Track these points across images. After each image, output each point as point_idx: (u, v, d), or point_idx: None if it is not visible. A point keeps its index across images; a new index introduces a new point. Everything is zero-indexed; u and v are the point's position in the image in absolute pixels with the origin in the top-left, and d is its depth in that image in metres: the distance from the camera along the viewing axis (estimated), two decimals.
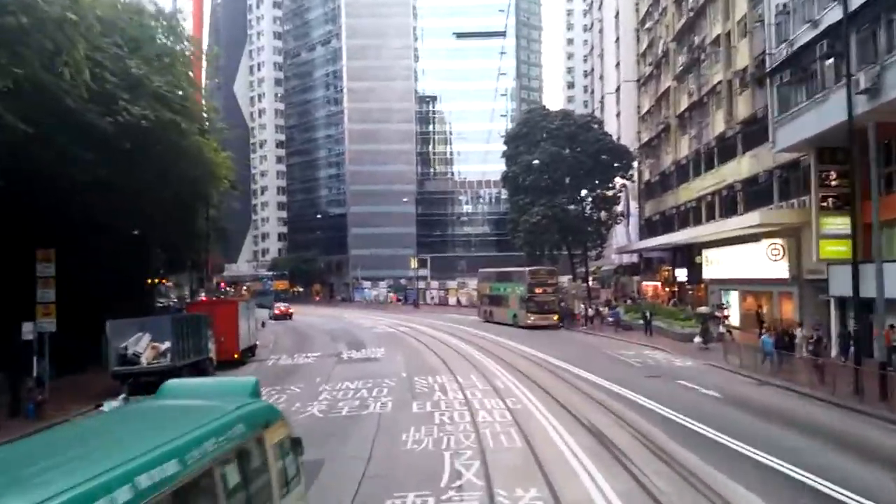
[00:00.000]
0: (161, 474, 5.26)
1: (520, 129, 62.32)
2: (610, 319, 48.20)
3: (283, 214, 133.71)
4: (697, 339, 35.40)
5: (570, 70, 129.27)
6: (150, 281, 55.98)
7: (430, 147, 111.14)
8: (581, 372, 27.45)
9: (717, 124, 45.66)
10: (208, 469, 5.99)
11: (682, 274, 53.17)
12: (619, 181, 62.30)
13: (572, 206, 60.82)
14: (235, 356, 32.04)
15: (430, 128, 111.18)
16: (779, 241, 35.05)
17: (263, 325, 43.41)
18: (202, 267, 68.18)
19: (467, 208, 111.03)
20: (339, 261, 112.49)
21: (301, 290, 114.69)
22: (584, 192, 60.89)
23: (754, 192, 40.01)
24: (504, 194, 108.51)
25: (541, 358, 32.50)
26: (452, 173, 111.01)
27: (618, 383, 24.05)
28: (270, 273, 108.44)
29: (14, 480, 4.78)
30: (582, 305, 50.51)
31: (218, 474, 6.15)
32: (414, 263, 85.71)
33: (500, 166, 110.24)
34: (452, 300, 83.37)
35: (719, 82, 45.02)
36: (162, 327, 26.09)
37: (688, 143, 52.14)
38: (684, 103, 52.40)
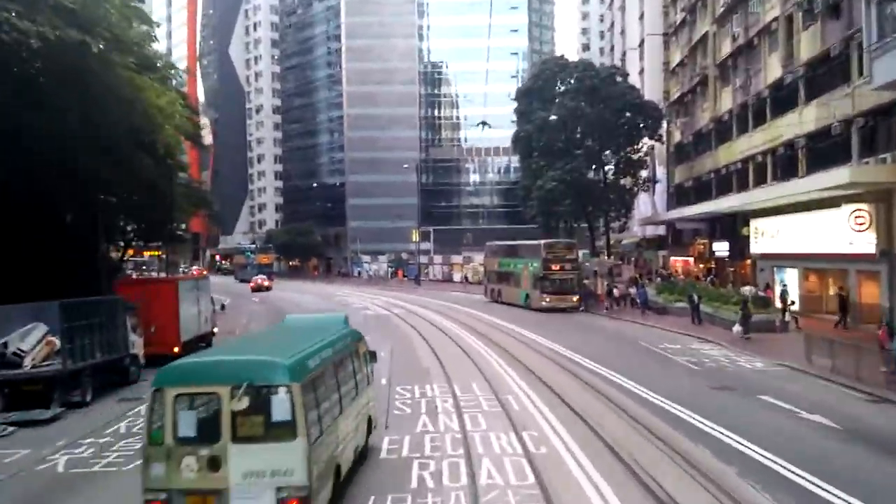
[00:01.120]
0: (333, 349, 11.26)
1: (533, 83, 54.82)
2: (638, 301, 41.27)
3: (281, 184, 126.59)
4: (737, 328, 28.60)
5: (584, 31, 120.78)
6: (111, 254, 49.16)
7: (436, 111, 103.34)
8: (622, 380, 20.42)
9: (772, 69, 38.31)
10: (345, 356, 12.12)
11: (721, 248, 46.13)
12: (646, 143, 54.87)
13: (592, 171, 53.55)
14: (176, 350, 25.24)
15: (436, 90, 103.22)
16: (864, 206, 27.83)
17: (223, 307, 36.34)
18: (177, 237, 61.38)
19: (475, 177, 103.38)
20: (337, 233, 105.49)
21: (297, 264, 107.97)
22: (606, 155, 53.57)
23: (822, 149, 32.63)
24: (515, 162, 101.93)
25: (563, 355, 25.49)
26: (459, 139, 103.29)
27: (678, 401, 17.05)
28: (252, 245, 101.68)
29: (267, 350, 10.21)
30: (606, 285, 43.35)
31: (349, 360, 12.34)
32: (415, 236, 78.53)
33: (509, 132, 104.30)
34: (457, 277, 76.37)
35: (774, 19, 37.62)
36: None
37: (731, 96, 44.99)
38: (727, 49, 45.20)
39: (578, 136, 53.25)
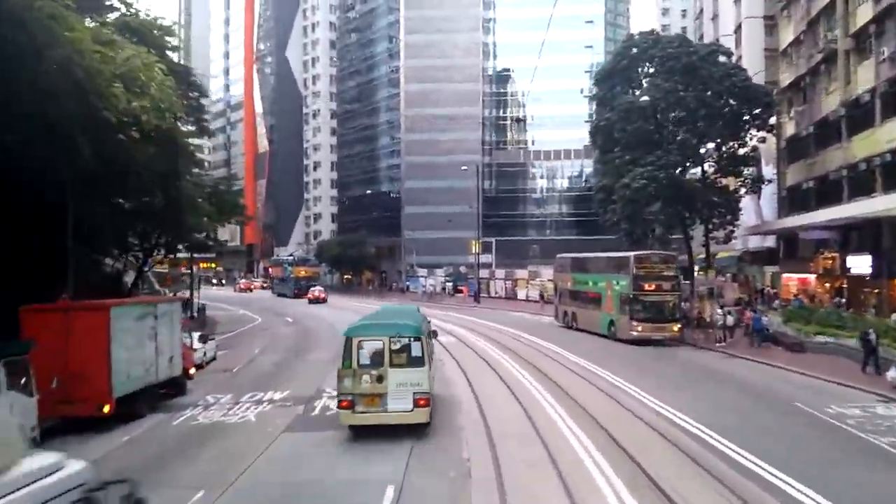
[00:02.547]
0: (424, 323, 18.19)
1: (617, 63, 45.24)
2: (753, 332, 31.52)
3: (336, 193, 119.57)
4: (893, 374, 20.01)
5: (665, 26, 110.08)
6: (109, 262, 42.22)
7: (500, 111, 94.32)
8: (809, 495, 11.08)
9: None
10: (428, 328, 18.54)
11: (860, 263, 36.03)
12: (752, 136, 44.75)
13: (688, 169, 43.83)
14: (106, 409, 17.02)
15: (501, 88, 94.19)
16: None
17: (204, 340, 27.67)
18: (202, 245, 54.12)
19: (541, 183, 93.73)
20: (391, 245, 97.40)
21: (350, 277, 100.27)
22: (705, 149, 43.70)
23: None
24: (588, 166, 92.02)
25: (690, 431, 16.09)
26: (525, 142, 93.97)
27: None
28: (290, 257, 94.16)
29: (382, 323, 17.51)
30: (718, 311, 33.39)
31: (422, 344, 16.29)
32: (475, 247, 69.52)
33: (580, 132, 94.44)
34: (522, 294, 66.92)
35: None
36: None
37: (873, 71, 35.08)
38: (867, 13, 35.36)
39: (671, 125, 43.62)
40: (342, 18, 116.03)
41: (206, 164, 47.39)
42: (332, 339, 32.37)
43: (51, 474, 5.63)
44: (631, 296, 32.65)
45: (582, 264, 40.04)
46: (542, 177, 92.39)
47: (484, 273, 73.13)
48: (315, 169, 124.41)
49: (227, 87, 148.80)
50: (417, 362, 16.01)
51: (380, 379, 15.62)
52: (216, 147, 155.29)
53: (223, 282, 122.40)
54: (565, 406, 18.63)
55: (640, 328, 32.45)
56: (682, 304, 34.62)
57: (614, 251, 41.71)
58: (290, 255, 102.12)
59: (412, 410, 15.67)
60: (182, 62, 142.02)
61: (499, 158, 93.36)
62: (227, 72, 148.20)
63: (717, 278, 43.18)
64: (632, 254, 34.05)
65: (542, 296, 58.01)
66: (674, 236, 47.10)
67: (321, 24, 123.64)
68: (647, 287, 32.65)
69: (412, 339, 16.26)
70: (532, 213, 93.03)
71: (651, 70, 43.87)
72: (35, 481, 5.39)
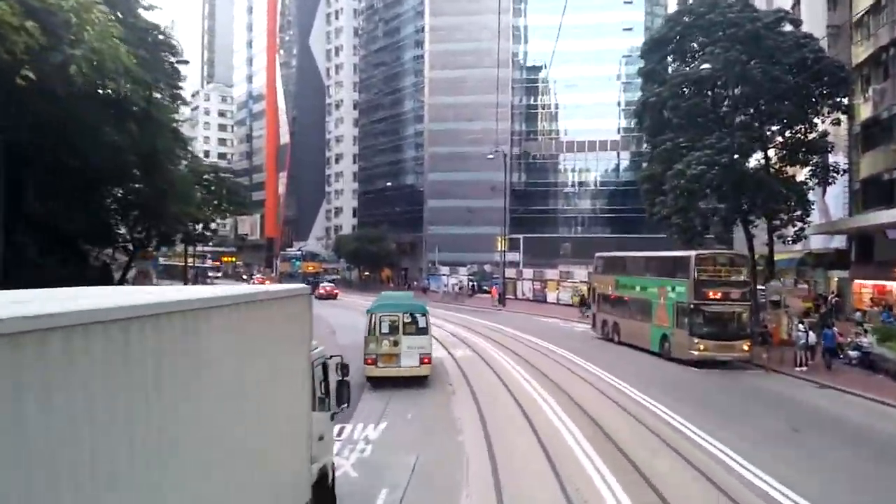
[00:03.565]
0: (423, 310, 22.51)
1: (668, 31, 38.77)
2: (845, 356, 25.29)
3: (358, 186, 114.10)
4: None
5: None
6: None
7: (530, 98, 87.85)
8: None
9: None
10: (426, 315, 22.15)
11: None
12: (825, 117, 38.09)
13: (750, 154, 37.36)
14: None
15: (529, 74, 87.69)
16: None
17: None
18: (194, 237, 48.82)
19: (573, 176, 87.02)
20: (412, 240, 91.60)
21: (368, 274, 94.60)
22: (769, 132, 37.22)
23: None
24: (623, 159, 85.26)
25: None
26: (557, 132, 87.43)
27: None
28: (299, 252, 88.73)
29: (397, 303, 23.27)
30: (800, 326, 26.88)
31: (426, 319, 22.04)
32: (502, 244, 63.30)
33: (616, 123, 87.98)
34: (552, 296, 60.58)
35: None
36: None
37: None
38: None
39: (730, 103, 37.29)
40: (367, 2, 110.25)
41: (191, 143, 41.83)
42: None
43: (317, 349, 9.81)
44: (691, 306, 26.44)
45: (627, 265, 33.71)
46: (573, 170, 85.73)
47: (510, 272, 66.89)
48: (337, 161, 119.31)
49: (249, 79, 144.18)
50: (423, 332, 21.79)
51: (395, 343, 21.08)
52: (239, 139, 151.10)
53: (252, 276, 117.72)
54: (625, 480, 12.57)
55: (701, 346, 26.22)
56: (762, 317, 28.33)
57: (659, 251, 35.46)
58: (299, 249, 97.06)
59: (419, 366, 21.23)
60: (205, 48, 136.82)
61: (528, 149, 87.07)
62: (249, 62, 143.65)
63: (798, 286, 36.69)
64: (692, 253, 27.73)
65: (583, 301, 51.52)
66: (730, 234, 40.67)
67: (345, 12, 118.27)
68: (711, 295, 26.42)
69: (419, 314, 22.14)
70: (563, 209, 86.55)
71: (705, 38, 37.50)
72: (317, 349, 9.68)
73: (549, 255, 75.19)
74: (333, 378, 10.46)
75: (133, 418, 4.26)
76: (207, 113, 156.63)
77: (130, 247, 46.25)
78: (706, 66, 31.96)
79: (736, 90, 36.27)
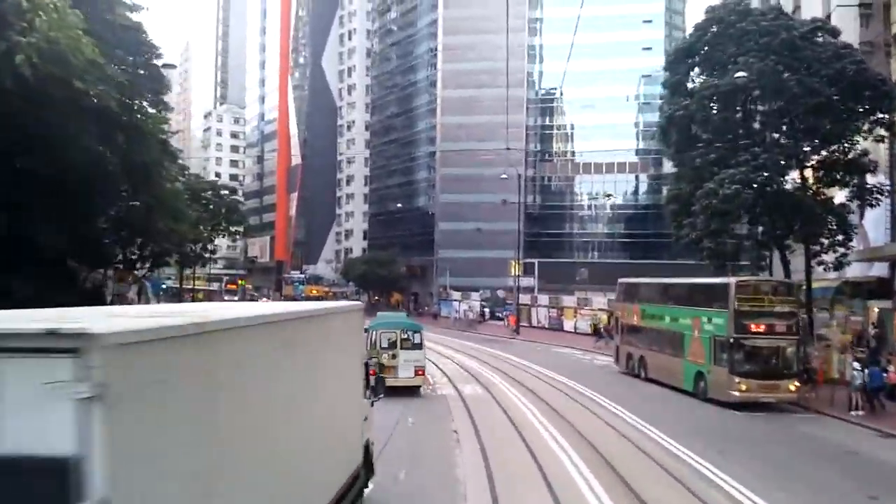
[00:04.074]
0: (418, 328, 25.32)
1: (695, 41, 35.93)
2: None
3: (368, 208, 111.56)
4: None
5: None
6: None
7: (544, 119, 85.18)
8: None
9: None
10: (420, 332, 24.88)
11: None
12: (866, 135, 34.99)
13: (786, 173, 34.35)
14: None
15: (544, 94, 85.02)
16: None
17: None
18: (192, 259, 46.32)
19: (588, 199, 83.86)
20: (423, 264, 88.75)
21: (378, 298, 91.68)
22: (807, 150, 34.17)
23: None
24: (643, 179, 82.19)
25: None
26: (573, 153, 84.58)
27: None
28: (301, 276, 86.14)
29: (395, 321, 26.65)
30: (856, 364, 23.61)
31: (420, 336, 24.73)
32: (515, 269, 60.30)
33: (633, 143, 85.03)
34: (569, 324, 57.40)
35: None
36: None
37: None
38: None
39: (762, 118, 34.48)
40: (380, 22, 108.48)
41: (181, 155, 39.41)
42: None
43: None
44: (731, 340, 23.34)
45: (655, 293, 30.58)
46: (589, 193, 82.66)
47: (525, 298, 63.80)
48: (348, 183, 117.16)
49: (261, 99, 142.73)
50: (418, 347, 24.33)
51: (394, 356, 23.41)
52: (252, 160, 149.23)
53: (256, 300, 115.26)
54: None
55: (743, 386, 23.08)
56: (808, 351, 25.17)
57: (685, 277, 32.38)
58: (302, 272, 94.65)
59: (413, 377, 23.65)
60: (218, 69, 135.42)
61: (543, 171, 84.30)
62: (262, 82, 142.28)
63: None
64: (732, 280, 24.67)
65: (605, 330, 48.25)
66: (761, 261, 37.48)
67: (358, 32, 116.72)
68: (754, 327, 23.33)
69: (413, 332, 24.71)
70: (579, 232, 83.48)
71: (737, 49, 34.71)
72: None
73: (565, 281, 72.17)
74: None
75: (267, 392, 6.34)
76: (220, 134, 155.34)
77: (122, 267, 43.86)
78: (741, 74, 28.97)
79: (770, 104, 33.47)
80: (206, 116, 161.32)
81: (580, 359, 38.91)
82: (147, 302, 57.95)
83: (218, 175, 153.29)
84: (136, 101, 26.58)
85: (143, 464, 3.99)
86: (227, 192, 48.84)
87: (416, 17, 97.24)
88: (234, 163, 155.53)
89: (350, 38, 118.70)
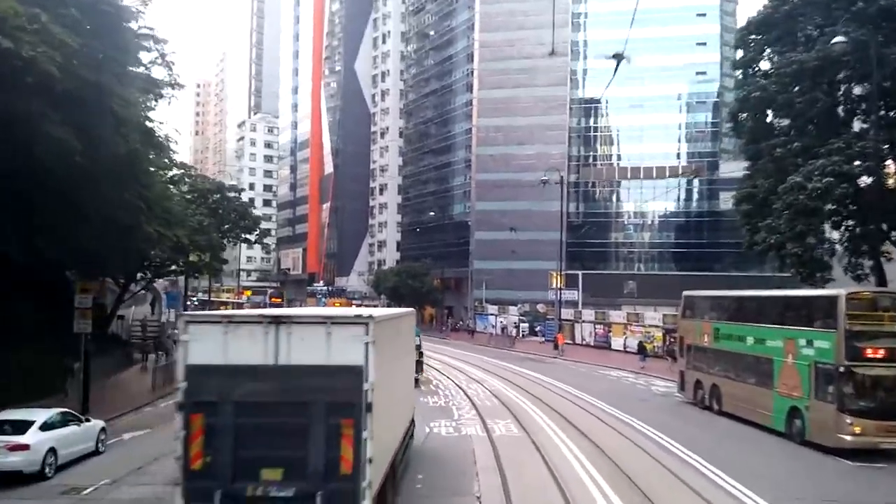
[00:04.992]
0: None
1: (772, 11, 30.70)
2: None
3: (401, 218, 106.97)
4: None
5: None
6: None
7: (588, 120, 79.70)
8: None
9: None
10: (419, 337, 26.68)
11: None
12: None
13: (883, 163, 28.84)
14: None
15: (587, 94, 79.48)
16: None
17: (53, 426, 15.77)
18: (196, 268, 42.11)
19: (634, 206, 77.76)
20: (458, 276, 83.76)
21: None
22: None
23: None
24: (695, 186, 76.11)
25: None
26: (618, 157, 78.79)
27: None
28: (324, 288, 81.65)
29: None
30: None
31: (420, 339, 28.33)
32: (556, 281, 55.00)
33: (683, 147, 79.05)
34: (617, 341, 51.90)
35: None
36: None
37: None
38: None
39: (854, 99, 29.14)
40: (414, 21, 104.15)
41: (172, 146, 35.02)
42: None
43: None
44: (840, 368, 17.93)
45: (732, 308, 24.88)
46: (637, 199, 76.79)
47: (567, 313, 58.40)
48: (381, 192, 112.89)
49: (294, 107, 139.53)
50: (418, 347, 25.69)
51: None
52: (286, 170, 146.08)
53: None
54: None
55: (857, 428, 17.67)
56: None
57: (746, 288, 26.87)
58: (325, 286, 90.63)
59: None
60: (252, 78, 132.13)
61: (586, 176, 78.81)
62: (295, 90, 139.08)
63: None
64: (841, 291, 19.15)
65: (641, 348, 42.95)
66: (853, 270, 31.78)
67: (392, 35, 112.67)
68: (871, 352, 17.92)
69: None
70: (625, 242, 77.66)
71: (823, 20, 29.32)
72: None
73: (612, 294, 66.65)
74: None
75: (395, 353, 12.91)
76: (254, 144, 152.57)
77: (122, 279, 39.81)
78: (840, 40, 23.60)
79: (866, 83, 28.04)
80: (239, 126, 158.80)
81: (634, 384, 33.49)
82: (160, 316, 54.02)
83: (252, 186, 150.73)
84: (110, 83, 22.26)
85: (383, 370, 10.08)
86: (235, 194, 44.48)
87: (452, 15, 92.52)
88: (268, 173, 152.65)
89: (384, 41, 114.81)
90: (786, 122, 28.99)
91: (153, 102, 29.67)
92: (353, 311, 15.62)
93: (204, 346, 9.45)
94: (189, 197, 40.88)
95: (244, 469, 9.10)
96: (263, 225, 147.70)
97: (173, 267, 38.74)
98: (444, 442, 18.74)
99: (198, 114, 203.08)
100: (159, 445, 18.23)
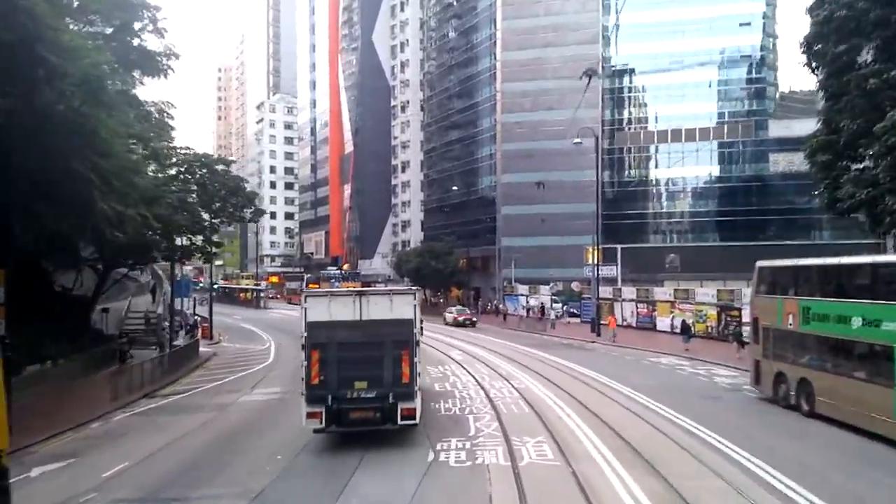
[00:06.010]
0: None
1: None
2: None
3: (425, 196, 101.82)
4: None
5: None
6: None
7: (621, 82, 73.66)
8: None
9: None
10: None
11: None
12: None
13: None
14: None
15: (621, 52, 73.42)
16: None
17: None
18: (186, 253, 37.61)
19: (674, 175, 71.84)
20: (485, 255, 78.57)
21: (434, 297, 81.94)
22: None
23: None
24: (736, 148, 69.80)
25: None
26: (655, 119, 72.74)
27: None
28: (338, 272, 76.96)
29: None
30: None
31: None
32: (593, 256, 49.71)
33: (726, 107, 72.88)
34: (663, 322, 46.50)
35: None
36: None
37: None
38: None
39: None
40: None
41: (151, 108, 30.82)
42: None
43: None
44: None
45: (829, 281, 19.28)
46: (673, 165, 70.76)
47: (605, 292, 52.92)
48: (403, 170, 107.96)
49: (312, 84, 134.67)
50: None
51: None
52: (305, 150, 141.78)
53: None
54: None
55: None
56: None
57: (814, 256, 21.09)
58: (338, 269, 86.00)
59: None
60: (270, 57, 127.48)
61: (620, 142, 72.92)
62: (312, 67, 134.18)
63: None
64: None
65: (685, 328, 37.62)
66: None
67: (410, 3, 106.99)
68: None
69: None
70: (664, 212, 71.79)
71: None
72: None
73: (652, 269, 61.15)
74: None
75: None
76: (273, 125, 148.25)
77: (100, 266, 35.43)
78: None
79: None
80: (258, 107, 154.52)
81: (693, 374, 28.10)
82: (158, 306, 49.88)
83: (273, 169, 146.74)
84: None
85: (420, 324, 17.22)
86: (223, 166, 39.81)
87: None
88: (288, 155, 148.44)
89: (402, 9, 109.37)
90: (877, 44, 23.22)
91: (152, 77, 26.57)
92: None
93: (317, 310, 15.74)
94: (174, 172, 36.11)
95: (344, 382, 15.33)
96: (286, 209, 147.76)
97: (154, 253, 34.07)
98: (450, 480, 13.44)
99: (220, 98, 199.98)
100: (75, 483, 13.60)
